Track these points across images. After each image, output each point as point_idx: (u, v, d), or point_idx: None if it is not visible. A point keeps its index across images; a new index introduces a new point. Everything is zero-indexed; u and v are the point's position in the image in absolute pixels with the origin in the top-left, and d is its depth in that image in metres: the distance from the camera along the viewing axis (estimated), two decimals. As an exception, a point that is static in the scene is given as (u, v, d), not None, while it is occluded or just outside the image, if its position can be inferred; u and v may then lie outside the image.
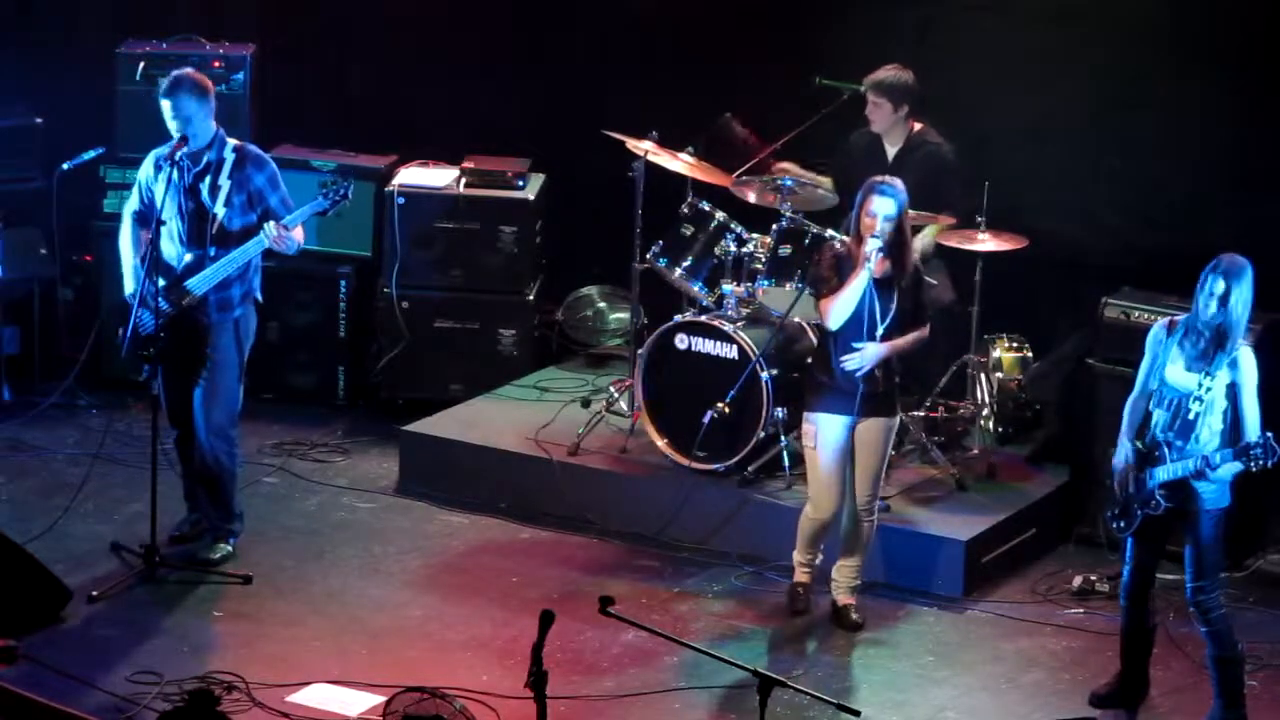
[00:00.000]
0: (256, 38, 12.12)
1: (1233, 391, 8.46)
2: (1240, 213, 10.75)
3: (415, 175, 11.82)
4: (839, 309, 9.30)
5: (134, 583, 9.67)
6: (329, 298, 11.93)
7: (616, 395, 11.09)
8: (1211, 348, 8.46)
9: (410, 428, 11.10)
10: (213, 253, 9.73)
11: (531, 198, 11.86)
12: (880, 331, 9.35)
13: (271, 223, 9.69)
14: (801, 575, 9.68)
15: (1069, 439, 10.74)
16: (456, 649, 9.30)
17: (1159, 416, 8.59)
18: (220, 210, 9.75)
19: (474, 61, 12.39)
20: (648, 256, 10.88)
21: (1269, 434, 8.29)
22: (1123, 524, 8.72)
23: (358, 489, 10.92)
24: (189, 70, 9.93)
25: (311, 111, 12.36)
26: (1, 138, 12.00)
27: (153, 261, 9.60)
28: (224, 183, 9.77)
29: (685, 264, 10.74)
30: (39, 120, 12.06)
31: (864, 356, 9.33)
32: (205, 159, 9.76)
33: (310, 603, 9.71)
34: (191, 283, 9.72)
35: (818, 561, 9.66)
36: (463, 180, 11.84)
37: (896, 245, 9.28)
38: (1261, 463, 8.26)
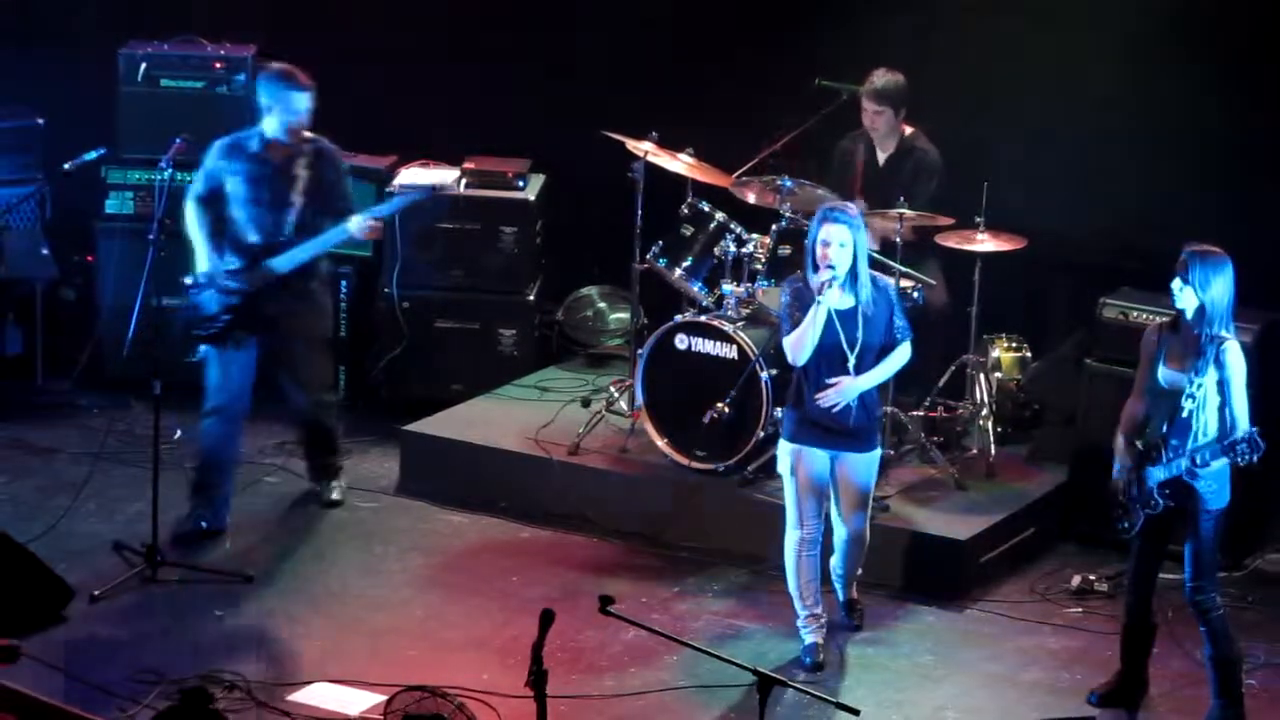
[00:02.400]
0: (257, 39, 12.13)
1: (1223, 387, 8.47)
2: (1239, 213, 10.76)
3: (415, 175, 11.83)
4: (801, 345, 9.02)
5: (135, 582, 9.68)
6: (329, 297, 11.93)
7: (616, 395, 11.10)
8: (1197, 344, 8.48)
9: (410, 427, 11.11)
10: (285, 239, 10.07)
11: (532, 198, 11.87)
12: (852, 362, 9.08)
13: (360, 216, 10.10)
14: (814, 635, 9.27)
15: (1067, 439, 10.74)
16: (457, 648, 9.31)
17: (1156, 418, 8.61)
18: (298, 201, 10.06)
19: (474, 62, 12.39)
20: (647, 257, 10.89)
21: (1254, 429, 8.31)
22: (1126, 525, 8.73)
23: (358, 488, 10.92)
24: (288, 65, 10.21)
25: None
26: (4, 138, 12.01)
27: (151, 268, 9.73)
28: (302, 173, 10.08)
29: (685, 264, 10.75)
30: (41, 121, 12.08)
31: (839, 392, 9.06)
32: (289, 150, 10.09)
33: (311, 602, 9.72)
34: (270, 264, 10.05)
35: (821, 612, 9.29)
36: (463, 180, 11.85)
37: (853, 272, 9.01)
38: (1247, 458, 8.28)
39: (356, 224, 10.08)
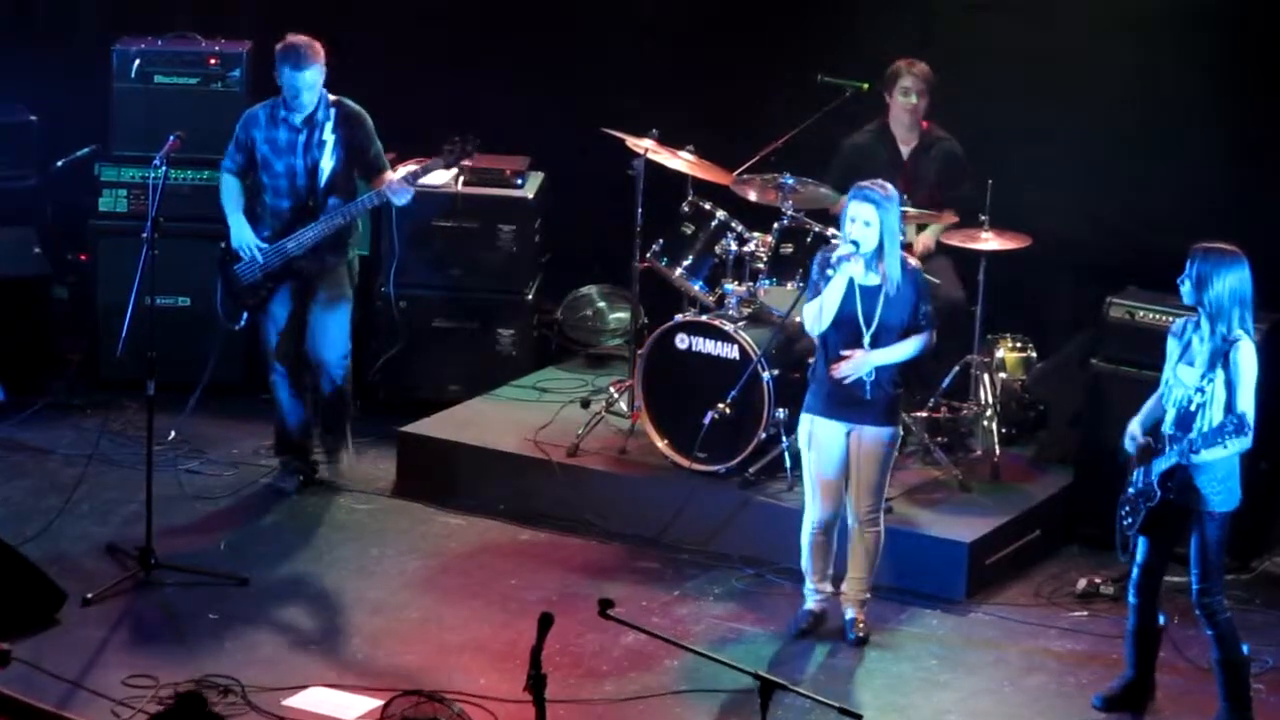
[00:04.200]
0: (253, 35, 12.07)
1: (1230, 386, 8.39)
2: (1246, 212, 10.73)
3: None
4: (814, 314, 9.16)
5: (129, 585, 9.62)
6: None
7: (616, 395, 11.04)
8: (1213, 342, 8.42)
9: (408, 428, 11.05)
10: (318, 205, 10.34)
11: (531, 196, 11.83)
12: (867, 338, 9.17)
13: (392, 176, 10.34)
14: (815, 604, 9.46)
15: (1073, 440, 10.68)
16: (455, 651, 9.25)
17: (1169, 414, 8.57)
18: (327, 165, 10.36)
19: (473, 59, 12.36)
20: (648, 255, 10.83)
21: (1244, 412, 8.26)
22: (1129, 521, 8.69)
23: (355, 490, 10.87)
24: (298, 40, 10.36)
25: (314, 86, 12.29)
26: (-3, 135, 12.00)
27: (145, 267, 9.66)
28: (328, 138, 10.37)
29: (686, 263, 10.69)
30: (34, 118, 12.03)
31: (852, 364, 9.15)
32: (313, 117, 10.34)
33: (307, 605, 9.68)
34: (300, 234, 10.34)
35: (829, 588, 9.44)
36: (461, 179, 11.79)
37: (878, 251, 9.10)
38: (1232, 437, 8.23)
39: (389, 186, 10.30)
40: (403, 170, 10.45)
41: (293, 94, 10.31)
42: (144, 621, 9.39)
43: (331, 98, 10.41)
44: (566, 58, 12.30)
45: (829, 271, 9.08)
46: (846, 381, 9.16)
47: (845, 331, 9.17)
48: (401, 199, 10.41)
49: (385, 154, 11.94)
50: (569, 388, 11.58)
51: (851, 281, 9.14)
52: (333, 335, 10.58)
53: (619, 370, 11.75)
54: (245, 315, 10.54)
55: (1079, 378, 10.69)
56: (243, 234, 10.41)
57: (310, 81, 10.28)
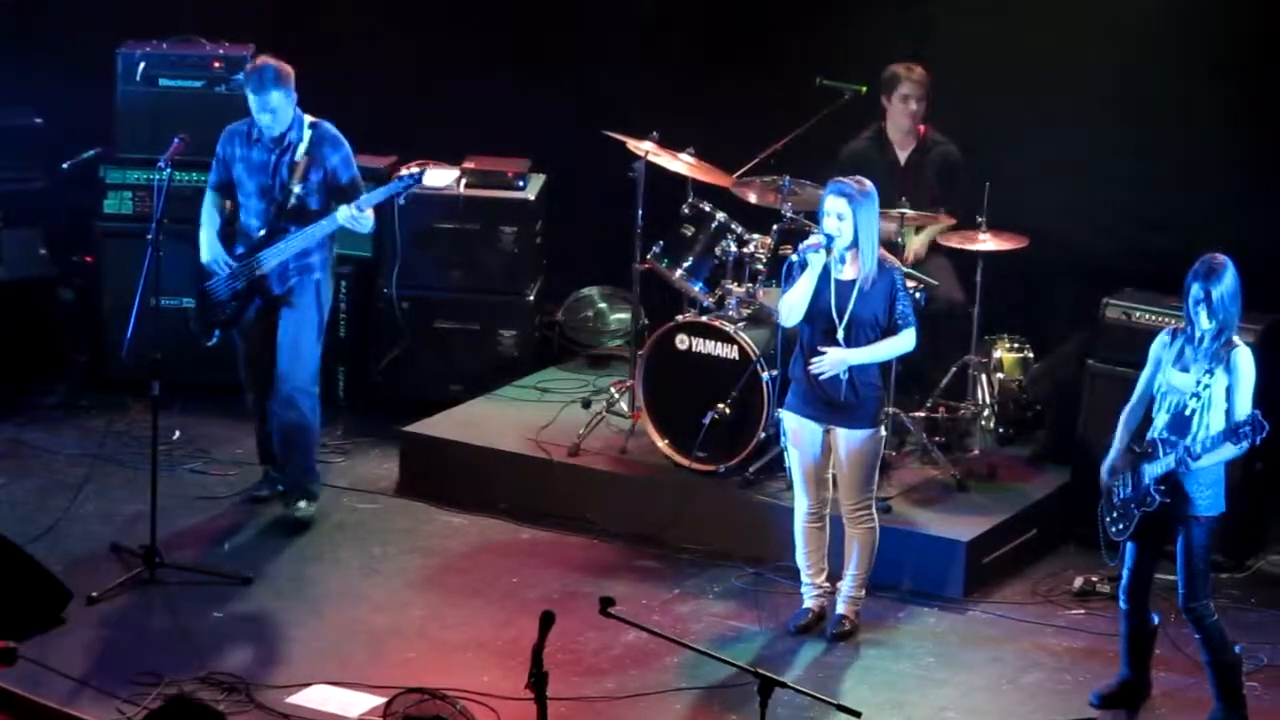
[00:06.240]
0: (256, 38, 12.11)
1: (1229, 392, 8.43)
2: (1240, 213, 10.75)
3: (415, 175, 11.79)
4: (791, 305, 9.18)
5: (134, 584, 9.65)
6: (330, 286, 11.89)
7: (617, 396, 11.08)
8: (1210, 349, 8.45)
9: (410, 428, 11.08)
10: (288, 228, 10.10)
11: (532, 198, 11.85)
12: (840, 333, 9.17)
13: (346, 205, 10.02)
14: (812, 602, 9.52)
15: (1070, 440, 10.72)
16: (457, 650, 9.29)
17: (1161, 419, 8.59)
18: (297, 187, 10.09)
19: (475, 61, 12.38)
20: (648, 257, 10.87)
21: (1257, 410, 8.29)
22: (1121, 526, 8.70)
23: (358, 489, 10.90)
24: (268, 62, 10.12)
25: (312, 111, 12.29)
26: (2, 138, 11.99)
27: (149, 269, 9.67)
28: (300, 160, 10.12)
29: (686, 264, 10.73)
30: (39, 120, 12.06)
31: (829, 361, 9.15)
32: (286, 139, 10.11)
33: (310, 604, 9.70)
34: (264, 254, 10.11)
35: (825, 584, 9.49)
36: (463, 180, 11.83)
37: (853, 246, 9.12)
38: (1250, 439, 8.25)
39: (344, 213, 10.04)
40: (363, 197, 10.12)
41: (255, 116, 10.08)
42: (149, 620, 9.42)
43: (309, 120, 10.19)
44: (567, 60, 12.31)
45: (802, 254, 9.10)
46: (823, 379, 9.19)
47: (819, 325, 9.19)
48: (357, 225, 10.08)
49: (386, 156, 12.01)
50: (570, 388, 11.61)
51: (827, 275, 9.16)
52: (293, 357, 10.20)
53: (620, 371, 11.78)
54: (217, 333, 10.32)
55: (1076, 378, 10.72)
56: (210, 250, 10.19)
57: (271, 105, 10.00)
